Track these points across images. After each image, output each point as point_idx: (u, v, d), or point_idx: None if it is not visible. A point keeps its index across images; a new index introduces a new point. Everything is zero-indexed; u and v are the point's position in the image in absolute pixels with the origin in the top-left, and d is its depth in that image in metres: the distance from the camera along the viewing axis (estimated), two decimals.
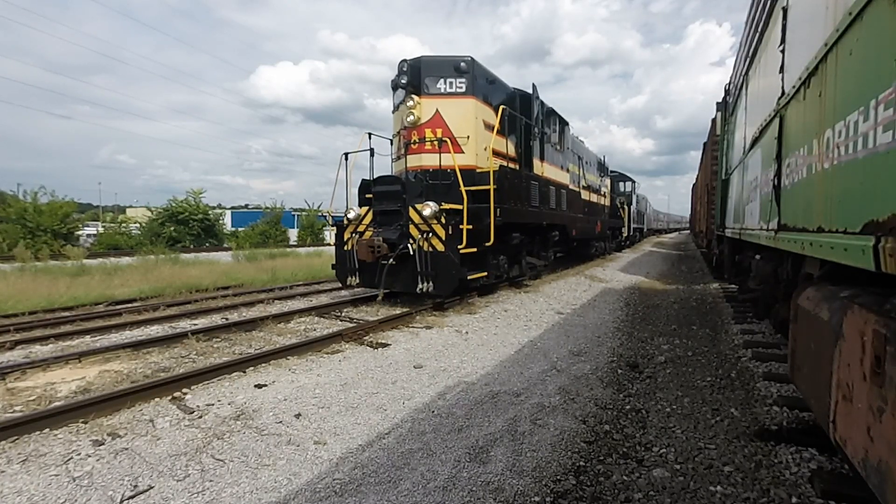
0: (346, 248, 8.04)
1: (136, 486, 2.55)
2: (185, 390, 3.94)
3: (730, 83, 7.64)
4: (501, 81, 9.23)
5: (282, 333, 6.14)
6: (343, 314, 7.28)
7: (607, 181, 19.48)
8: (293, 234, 32.88)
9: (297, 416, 3.48)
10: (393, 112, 8.80)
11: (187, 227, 26.30)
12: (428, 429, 3.29)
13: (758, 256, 4.87)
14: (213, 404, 3.68)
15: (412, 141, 7.95)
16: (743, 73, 5.72)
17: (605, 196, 18.57)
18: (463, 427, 3.32)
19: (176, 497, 2.47)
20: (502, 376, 4.43)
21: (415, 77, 7.98)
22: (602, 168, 18.36)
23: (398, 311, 7.24)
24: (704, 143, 13.38)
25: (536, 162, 10.10)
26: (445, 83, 7.94)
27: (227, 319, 6.94)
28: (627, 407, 3.71)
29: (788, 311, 2.82)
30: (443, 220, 7.08)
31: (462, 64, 7.97)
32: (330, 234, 15.47)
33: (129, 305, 8.22)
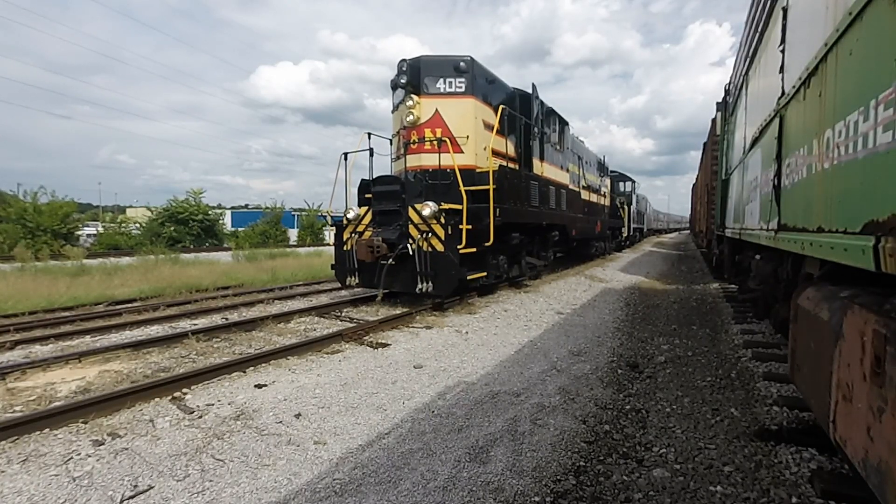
0: (345, 248, 8.04)
1: (136, 486, 2.55)
2: (185, 390, 3.94)
3: (730, 83, 7.64)
4: (501, 81, 9.22)
5: (282, 333, 6.14)
6: (343, 314, 7.28)
7: (607, 181, 19.47)
8: (293, 234, 32.89)
9: (297, 416, 3.49)
10: (392, 112, 8.79)
11: (187, 227, 26.31)
12: (428, 429, 3.29)
13: (758, 256, 4.86)
14: (213, 404, 3.68)
15: (412, 141, 7.95)
16: (743, 73, 5.72)
17: (604, 196, 18.56)
18: (463, 427, 3.32)
19: (176, 497, 2.47)
20: (502, 376, 4.43)
21: (414, 77, 7.97)
22: (602, 168, 18.35)
23: (398, 311, 7.24)
24: (704, 143, 13.37)
25: (536, 162, 10.10)
26: (445, 83, 7.93)
27: (227, 319, 6.94)
28: (627, 407, 3.71)
29: (788, 311, 2.82)
30: (442, 220, 7.08)
31: (461, 64, 7.97)
32: (329, 234, 15.47)
33: (129, 305, 8.22)
